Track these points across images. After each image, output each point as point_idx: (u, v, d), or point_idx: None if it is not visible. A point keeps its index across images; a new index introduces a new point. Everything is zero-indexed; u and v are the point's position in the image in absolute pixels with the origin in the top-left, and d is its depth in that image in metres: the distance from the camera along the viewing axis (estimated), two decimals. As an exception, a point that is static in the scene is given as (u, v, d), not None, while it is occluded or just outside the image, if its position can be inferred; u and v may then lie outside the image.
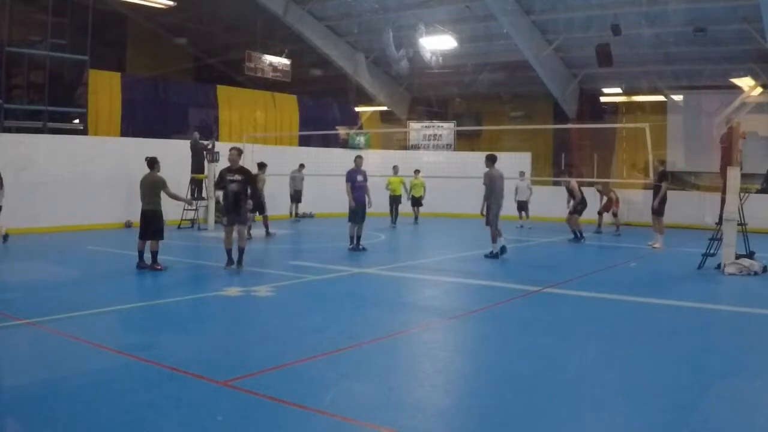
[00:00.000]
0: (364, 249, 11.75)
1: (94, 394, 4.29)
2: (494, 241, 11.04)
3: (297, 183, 18.21)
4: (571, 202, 14.23)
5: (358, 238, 11.79)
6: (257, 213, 13.84)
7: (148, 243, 9.31)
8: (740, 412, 4.21)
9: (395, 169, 17.99)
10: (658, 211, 12.93)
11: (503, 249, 11.11)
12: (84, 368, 4.87)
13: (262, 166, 14.47)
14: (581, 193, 14.21)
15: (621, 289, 8.39)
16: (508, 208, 14.88)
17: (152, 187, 9.28)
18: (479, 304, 7.76)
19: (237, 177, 9.32)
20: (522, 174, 17.21)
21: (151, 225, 9.28)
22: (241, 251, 9.41)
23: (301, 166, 18.25)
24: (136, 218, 10.68)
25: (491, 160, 11.11)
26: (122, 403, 4.12)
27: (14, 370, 4.85)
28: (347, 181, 11.73)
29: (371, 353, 5.45)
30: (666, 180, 12.99)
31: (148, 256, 9.31)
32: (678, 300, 7.71)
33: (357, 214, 11.66)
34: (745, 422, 4.03)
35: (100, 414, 3.95)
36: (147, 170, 9.47)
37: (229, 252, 9.44)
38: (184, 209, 15.62)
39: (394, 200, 18.06)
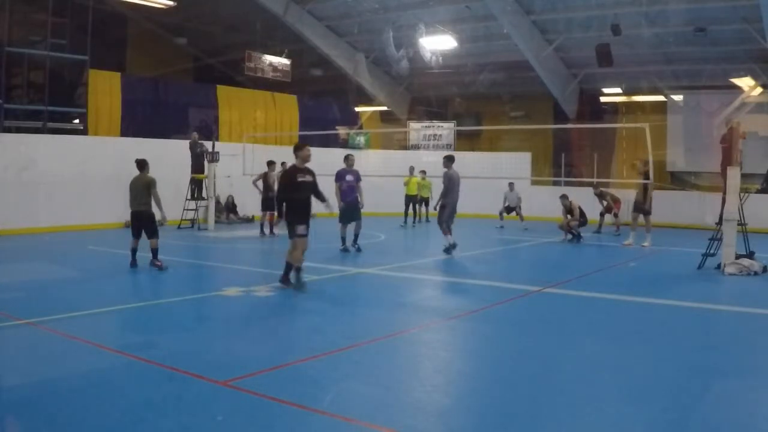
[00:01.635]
0: (359, 249, 11.65)
1: (94, 394, 4.29)
2: (446, 234, 11.24)
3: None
4: (568, 216, 14.21)
5: (356, 237, 11.73)
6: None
7: (149, 242, 9.38)
8: (740, 412, 4.21)
9: (411, 169, 18.05)
10: (647, 210, 13.07)
11: (453, 246, 11.23)
12: (84, 368, 4.88)
13: (271, 163, 14.72)
14: (579, 210, 14.25)
15: (621, 289, 8.38)
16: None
17: (146, 188, 9.35)
18: (479, 304, 7.75)
19: (308, 178, 8.11)
20: (511, 185, 17.25)
21: (144, 226, 9.39)
22: (290, 265, 8.03)
23: (283, 164, 17.67)
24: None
25: (450, 161, 11.45)
26: (122, 403, 4.12)
27: (14, 370, 4.84)
28: (336, 180, 11.62)
29: (371, 353, 5.45)
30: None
31: (141, 255, 9.37)
32: (678, 300, 7.70)
33: (345, 214, 11.57)
34: (745, 422, 4.03)
35: (100, 414, 3.94)
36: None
37: (299, 270, 8.05)
38: (184, 209, 15.72)
39: (410, 200, 18.12)
